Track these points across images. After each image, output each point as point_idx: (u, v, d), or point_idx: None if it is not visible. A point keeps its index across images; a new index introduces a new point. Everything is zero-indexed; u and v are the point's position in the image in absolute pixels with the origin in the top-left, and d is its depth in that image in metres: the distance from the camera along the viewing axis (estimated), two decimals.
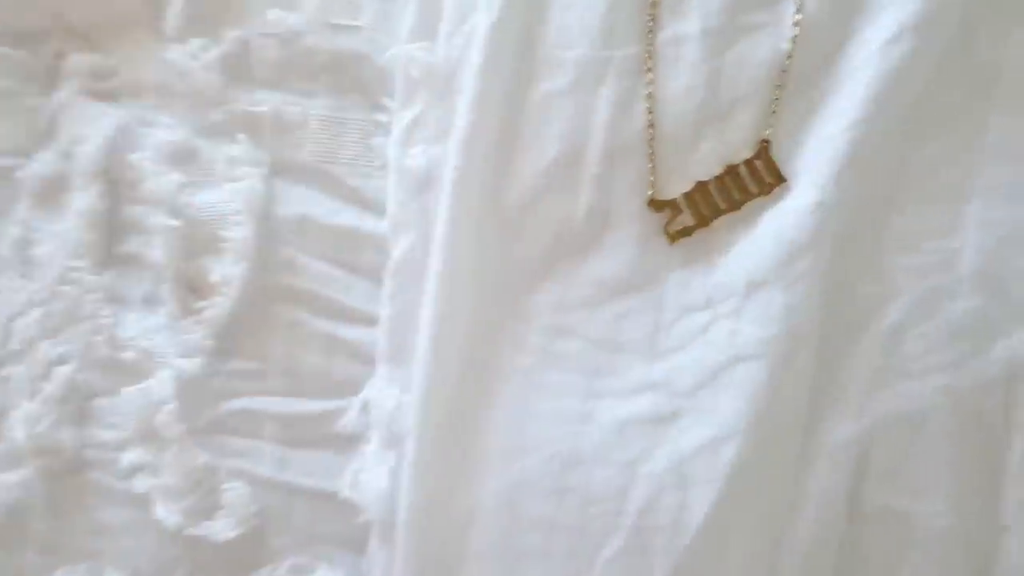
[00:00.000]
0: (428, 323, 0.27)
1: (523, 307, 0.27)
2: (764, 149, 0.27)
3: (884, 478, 0.25)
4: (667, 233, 0.27)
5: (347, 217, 0.31)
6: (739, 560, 0.24)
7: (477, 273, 0.27)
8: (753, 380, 0.25)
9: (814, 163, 0.26)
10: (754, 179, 0.27)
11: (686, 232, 0.27)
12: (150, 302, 0.32)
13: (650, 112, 0.27)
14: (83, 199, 0.31)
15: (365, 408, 0.29)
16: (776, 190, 0.27)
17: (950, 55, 0.26)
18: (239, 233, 0.30)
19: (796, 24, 0.27)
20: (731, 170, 0.27)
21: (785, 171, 0.27)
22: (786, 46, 0.27)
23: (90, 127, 0.33)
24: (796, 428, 0.25)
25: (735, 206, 0.27)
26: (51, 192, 0.32)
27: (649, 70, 0.27)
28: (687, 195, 0.27)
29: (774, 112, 0.27)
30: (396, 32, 0.32)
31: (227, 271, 0.30)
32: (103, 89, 0.33)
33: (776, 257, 0.26)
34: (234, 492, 0.29)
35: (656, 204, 0.27)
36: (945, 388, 0.25)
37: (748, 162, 0.27)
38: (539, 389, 0.27)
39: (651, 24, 0.27)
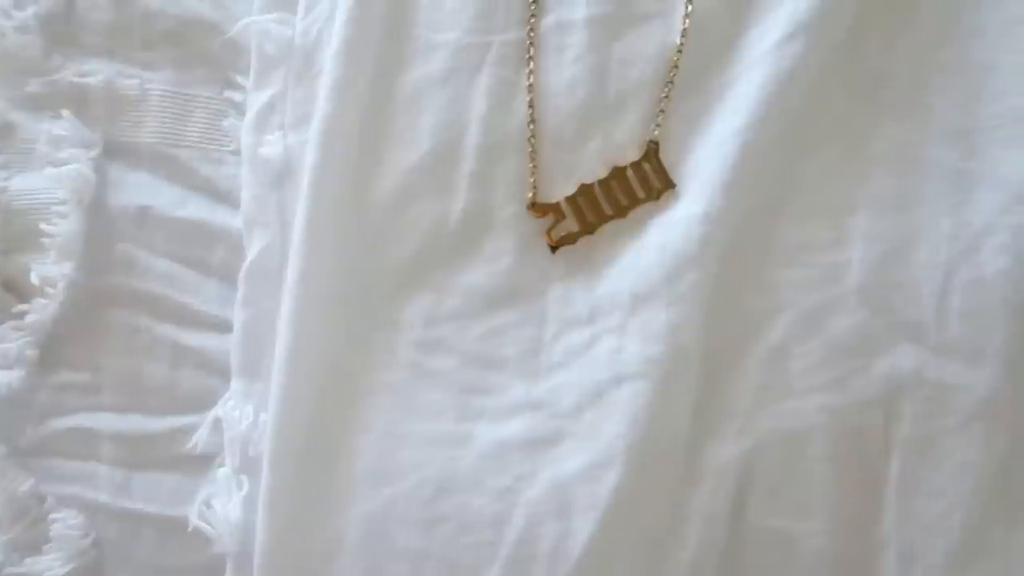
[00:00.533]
0: (284, 333, 0.25)
1: (392, 317, 0.25)
2: (653, 151, 0.25)
3: (767, 498, 0.24)
4: (549, 240, 0.25)
5: (195, 209, 0.28)
6: None
7: (339, 279, 0.25)
8: (636, 401, 0.24)
9: (704, 168, 0.25)
10: (642, 183, 0.25)
11: (569, 239, 0.25)
12: None
13: (531, 106, 0.25)
14: None
15: (217, 426, 0.26)
16: (664, 196, 0.25)
17: (839, 61, 0.26)
18: (64, 226, 0.27)
19: (687, 16, 0.25)
20: (618, 173, 0.25)
21: (674, 174, 0.25)
22: (676, 39, 0.25)
23: None
24: (679, 449, 0.24)
25: (622, 212, 0.25)
26: None
27: (531, 59, 0.25)
28: (571, 199, 0.25)
29: (662, 111, 0.25)
30: None
31: (50, 270, 0.27)
32: None
33: (662, 270, 0.25)
34: (65, 522, 0.26)
35: (537, 208, 0.25)
36: (827, 407, 0.25)
37: (636, 165, 0.25)
38: (409, 408, 0.25)
39: (534, 7, 0.25)
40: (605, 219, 0.25)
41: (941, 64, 0.26)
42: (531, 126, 0.25)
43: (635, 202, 0.25)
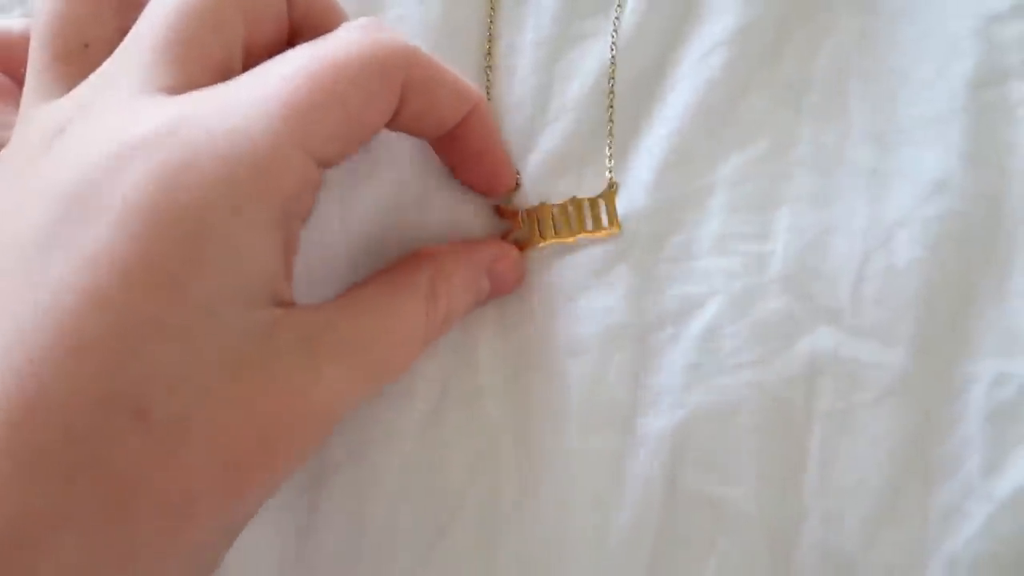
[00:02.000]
0: None
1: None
2: (611, 193, 0.27)
3: (699, 465, 0.26)
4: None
5: None
6: (572, 542, 0.26)
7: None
8: (578, 374, 0.26)
9: (636, 168, 0.28)
10: (593, 218, 0.27)
11: (519, 246, 0.27)
12: None
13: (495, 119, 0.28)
14: None
15: None
16: (608, 234, 0.27)
17: (762, 69, 0.28)
18: None
19: (614, 36, 0.28)
20: (575, 203, 0.27)
21: (613, 174, 0.28)
22: (611, 55, 0.28)
23: None
24: (618, 417, 0.26)
25: (569, 235, 0.27)
26: None
27: (488, 79, 0.28)
28: (529, 212, 0.27)
29: (611, 147, 0.28)
30: None
31: None
32: None
33: (598, 263, 0.27)
34: None
35: (501, 212, 0.28)
36: (754, 382, 0.26)
37: (592, 200, 0.27)
38: None
39: (491, 30, 0.28)
40: (552, 238, 0.27)
41: (859, 73, 0.28)
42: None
43: (582, 231, 0.27)
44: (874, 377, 0.26)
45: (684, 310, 0.27)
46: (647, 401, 0.26)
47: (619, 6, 0.27)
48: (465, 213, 0.28)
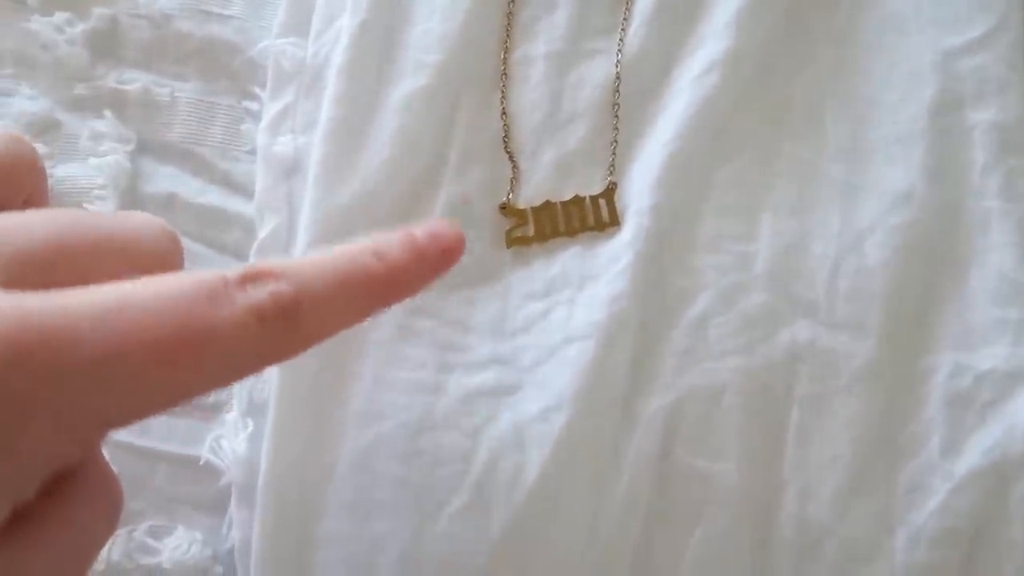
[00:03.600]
0: None
1: None
2: (611, 192, 0.30)
3: (688, 441, 0.28)
4: (507, 237, 0.30)
5: (214, 197, 0.32)
6: (568, 513, 0.28)
7: None
8: (582, 357, 0.28)
9: (637, 174, 0.30)
10: (595, 215, 0.30)
11: (523, 241, 0.30)
12: None
13: (504, 123, 0.30)
14: None
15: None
16: (610, 229, 0.30)
17: (751, 89, 0.31)
18: (102, 207, 0.31)
19: (619, 53, 0.30)
20: (578, 201, 0.30)
21: (615, 180, 0.30)
22: (616, 71, 0.30)
23: None
24: (617, 398, 0.28)
25: (572, 232, 0.30)
26: None
27: (503, 84, 0.30)
28: (535, 210, 0.30)
29: (614, 154, 0.30)
30: (265, 25, 0.33)
31: None
32: None
33: (604, 256, 0.29)
34: None
35: (507, 210, 0.30)
36: (739, 368, 0.29)
37: (594, 198, 0.30)
38: (395, 361, 0.29)
39: (507, 43, 0.30)
40: (557, 234, 0.30)
41: (835, 95, 0.31)
42: (505, 139, 0.30)
43: (585, 228, 0.30)
44: (846, 365, 0.29)
45: (677, 302, 0.29)
46: (643, 383, 0.29)
47: (623, 29, 0.30)
48: (470, 209, 0.30)
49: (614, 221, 0.30)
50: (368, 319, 0.21)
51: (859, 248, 0.30)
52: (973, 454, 0.28)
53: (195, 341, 0.16)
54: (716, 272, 0.30)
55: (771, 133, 0.31)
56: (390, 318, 0.29)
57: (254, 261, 0.30)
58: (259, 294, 0.18)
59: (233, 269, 0.18)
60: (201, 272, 0.17)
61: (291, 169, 0.31)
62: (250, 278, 0.18)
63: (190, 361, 0.17)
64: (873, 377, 0.29)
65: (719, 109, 0.30)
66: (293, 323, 0.18)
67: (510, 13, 0.30)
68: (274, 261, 0.19)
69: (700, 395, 0.29)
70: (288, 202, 0.31)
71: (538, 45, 0.30)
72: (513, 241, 0.30)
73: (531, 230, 0.30)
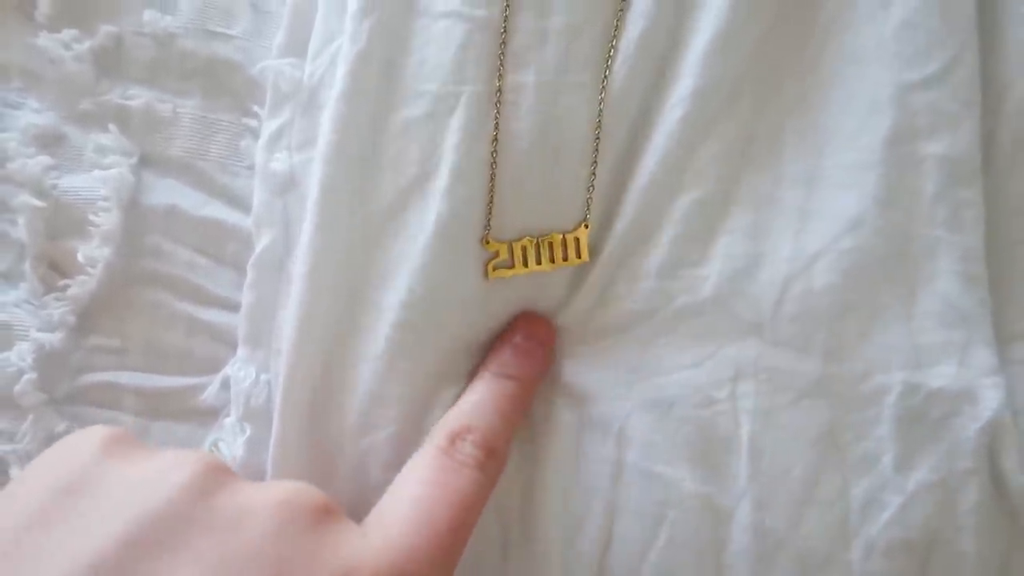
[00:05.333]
0: (293, 319, 0.30)
1: (377, 302, 0.30)
2: (584, 231, 0.32)
3: (644, 447, 0.30)
4: (487, 269, 0.32)
5: (213, 210, 0.33)
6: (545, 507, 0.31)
7: (339, 275, 0.30)
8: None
9: (610, 201, 0.32)
10: (566, 250, 0.32)
11: (502, 272, 0.32)
12: (11, 278, 0.33)
13: (494, 148, 0.31)
14: None
15: (224, 384, 0.32)
16: (579, 263, 0.32)
17: (717, 121, 0.32)
18: (106, 218, 0.32)
19: (603, 89, 0.32)
20: (554, 237, 0.32)
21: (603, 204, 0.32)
22: (599, 107, 0.32)
23: None
24: (576, 405, 0.32)
25: (547, 266, 0.32)
26: None
27: (496, 111, 0.31)
28: (511, 244, 0.31)
29: (590, 198, 0.32)
30: (266, 45, 0.34)
31: (93, 252, 0.32)
32: None
33: (565, 282, 0.32)
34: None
35: (486, 243, 0.31)
36: (687, 382, 0.31)
37: (567, 238, 0.32)
38: (388, 374, 0.30)
39: (500, 70, 0.31)
40: (534, 269, 0.32)
41: (795, 128, 0.32)
42: (493, 166, 0.31)
43: (559, 263, 0.32)
44: (791, 382, 0.30)
45: (629, 322, 0.32)
46: (598, 393, 0.31)
47: (608, 65, 0.32)
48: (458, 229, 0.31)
49: (584, 256, 0.32)
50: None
51: (808, 271, 0.31)
52: (924, 470, 0.29)
53: (472, 506, 0.26)
54: (666, 296, 0.31)
55: (732, 164, 0.32)
56: (381, 332, 0.30)
57: (250, 275, 0.32)
58: (469, 449, 0.27)
59: (435, 439, 0.28)
60: (424, 457, 0.27)
61: (287, 185, 0.32)
62: (454, 439, 0.28)
63: (471, 524, 0.26)
64: (819, 392, 0.30)
65: (684, 140, 0.31)
66: (495, 459, 0.28)
67: (503, 43, 0.31)
68: (454, 418, 0.29)
69: (651, 405, 0.31)
70: (284, 217, 0.32)
71: (528, 73, 0.31)
72: (493, 271, 0.32)
73: (510, 262, 0.32)
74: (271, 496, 0.22)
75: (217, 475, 0.23)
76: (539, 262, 0.32)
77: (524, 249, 0.32)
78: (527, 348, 0.31)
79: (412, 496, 0.25)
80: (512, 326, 0.32)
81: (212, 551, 0.21)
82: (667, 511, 0.30)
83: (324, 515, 0.23)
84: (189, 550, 0.21)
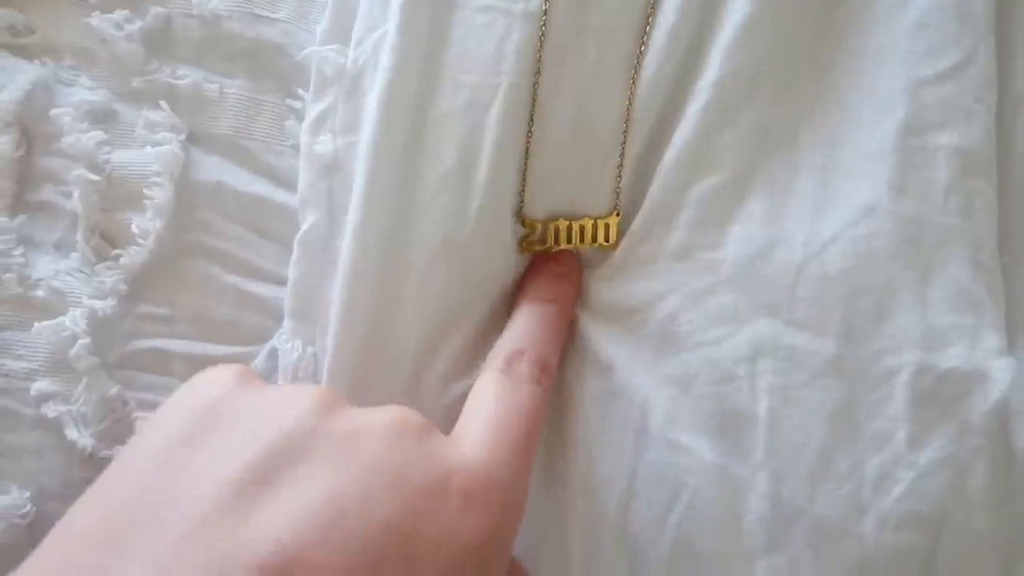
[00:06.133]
0: (339, 295, 0.31)
1: (419, 283, 0.32)
2: (615, 218, 0.34)
3: (665, 419, 0.32)
4: (522, 244, 0.34)
5: (260, 187, 0.35)
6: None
7: (383, 253, 0.32)
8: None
9: (636, 187, 0.34)
10: (601, 234, 0.34)
11: (533, 248, 0.34)
12: (62, 248, 0.34)
13: (528, 139, 0.32)
14: None
15: (271, 355, 0.33)
16: (608, 248, 0.34)
17: (737, 111, 0.33)
18: (158, 193, 0.34)
19: (633, 85, 0.33)
20: (587, 222, 0.34)
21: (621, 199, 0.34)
22: (627, 103, 0.33)
23: (5, 78, 0.35)
24: (604, 377, 0.33)
25: (578, 245, 0.34)
26: None
27: (532, 103, 0.32)
28: (546, 223, 0.33)
29: (620, 179, 0.33)
30: (308, 28, 0.36)
31: (145, 224, 0.33)
32: (20, 45, 0.35)
33: (594, 259, 0.34)
34: (143, 420, 0.33)
35: (523, 220, 0.33)
36: (708, 358, 0.32)
37: (598, 221, 0.34)
38: (433, 346, 0.32)
39: (539, 65, 0.33)
40: (565, 247, 0.34)
41: (811, 120, 0.34)
42: (527, 155, 0.33)
43: (591, 243, 0.34)
44: (807, 361, 0.32)
45: (650, 302, 0.33)
46: (624, 365, 0.33)
47: (638, 59, 0.33)
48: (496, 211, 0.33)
49: (613, 241, 0.34)
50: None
51: (823, 256, 0.32)
52: (936, 447, 0.31)
53: (536, 415, 0.29)
54: (685, 276, 0.33)
55: (750, 152, 0.33)
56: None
57: (296, 252, 0.33)
58: (525, 368, 0.30)
59: (493, 364, 0.30)
60: (487, 381, 0.30)
61: (331, 167, 0.34)
62: (511, 361, 0.30)
63: (538, 431, 0.29)
64: (835, 373, 0.32)
65: (706, 130, 0.33)
66: (548, 373, 0.31)
67: (541, 36, 0.32)
68: (507, 343, 0.31)
69: (672, 380, 0.32)
70: (328, 197, 0.33)
71: (567, 70, 0.33)
72: (528, 247, 0.34)
73: (543, 239, 0.34)
74: (383, 416, 0.25)
75: (334, 400, 0.26)
76: (570, 241, 0.34)
77: (557, 230, 0.34)
78: (561, 272, 0.34)
79: (485, 414, 0.28)
80: (541, 258, 0.34)
81: (341, 460, 0.23)
82: (688, 478, 0.32)
83: (426, 431, 0.26)
84: (321, 459, 0.23)
